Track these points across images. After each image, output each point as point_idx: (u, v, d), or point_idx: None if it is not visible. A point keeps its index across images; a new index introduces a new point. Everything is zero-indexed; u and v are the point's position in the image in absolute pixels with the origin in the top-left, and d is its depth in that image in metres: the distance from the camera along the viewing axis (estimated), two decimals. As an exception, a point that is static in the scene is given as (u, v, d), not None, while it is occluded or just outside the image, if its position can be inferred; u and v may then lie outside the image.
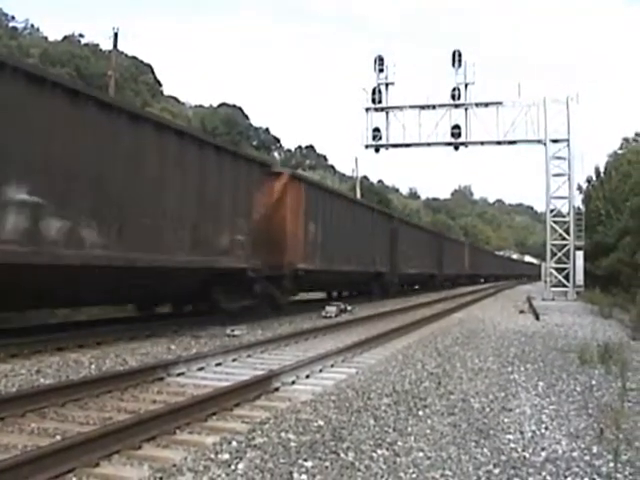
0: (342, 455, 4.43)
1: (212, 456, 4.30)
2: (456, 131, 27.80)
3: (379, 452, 4.53)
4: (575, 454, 4.63)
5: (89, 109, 9.03)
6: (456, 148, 28.39)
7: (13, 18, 64.11)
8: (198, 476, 3.93)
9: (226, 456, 4.30)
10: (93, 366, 7.83)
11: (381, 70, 28.46)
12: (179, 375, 7.41)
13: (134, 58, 61.61)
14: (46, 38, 62.56)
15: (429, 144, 28.78)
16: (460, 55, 27.67)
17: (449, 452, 4.59)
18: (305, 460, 4.27)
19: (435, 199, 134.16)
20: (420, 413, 5.75)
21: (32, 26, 68.29)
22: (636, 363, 8.81)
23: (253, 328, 12.45)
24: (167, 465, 4.10)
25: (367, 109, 28.73)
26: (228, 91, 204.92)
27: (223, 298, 13.06)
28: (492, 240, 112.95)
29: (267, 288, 14.45)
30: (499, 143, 28.18)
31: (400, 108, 28.61)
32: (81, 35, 63.72)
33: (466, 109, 27.89)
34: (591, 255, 29.22)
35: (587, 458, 4.54)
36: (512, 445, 4.83)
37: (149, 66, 66.78)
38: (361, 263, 21.73)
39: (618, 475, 4.17)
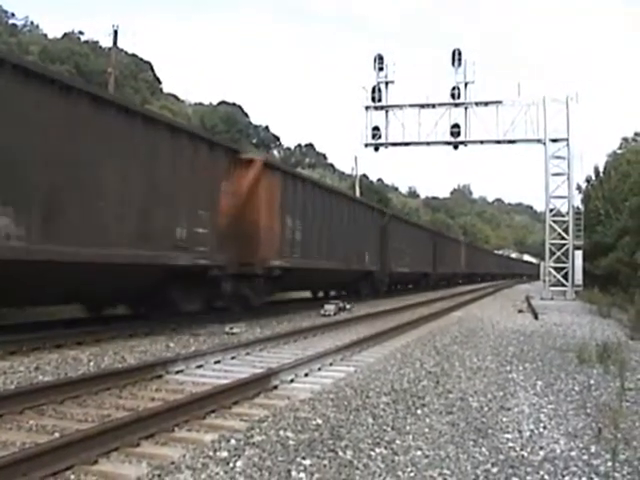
0: (340, 453, 4.43)
1: (210, 454, 4.30)
2: (456, 130, 27.79)
3: (377, 451, 4.53)
4: (573, 453, 4.64)
5: None
6: (455, 147, 28.38)
7: (13, 15, 64.11)
8: (196, 474, 3.93)
9: (224, 454, 4.30)
10: (92, 363, 7.82)
11: (381, 69, 28.44)
12: (178, 373, 7.41)
13: (134, 56, 61.48)
14: (46, 35, 62.57)
15: (428, 143, 28.77)
16: (460, 54, 27.66)
17: (447, 451, 4.59)
18: (303, 458, 4.27)
19: (434, 198, 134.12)
20: (418, 412, 5.75)
21: (32, 23, 68.39)
22: (634, 363, 8.82)
23: (252, 326, 12.44)
24: (165, 463, 4.10)
25: (367, 107, 28.71)
26: (228, 89, 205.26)
27: (182, 299, 11.79)
28: (491, 239, 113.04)
29: (238, 288, 13.28)
30: (498, 142, 28.16)
31: (400, 107, 28.60)
32: (81, 32, 63.68)
33: (466, 108, 27.87)
34: (590, 255, 29.24)
35: (585, 457, 4.54)
36: (510, 444, 4.83)
37: (149, 64, 66.68)
38: (347, 261, 20.35)
39: (616, 474, 4.18)
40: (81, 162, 9.06)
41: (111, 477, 3.94)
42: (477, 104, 27.86)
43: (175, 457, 4.23)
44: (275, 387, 6.72)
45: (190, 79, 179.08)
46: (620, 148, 40.15)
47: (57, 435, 4.66)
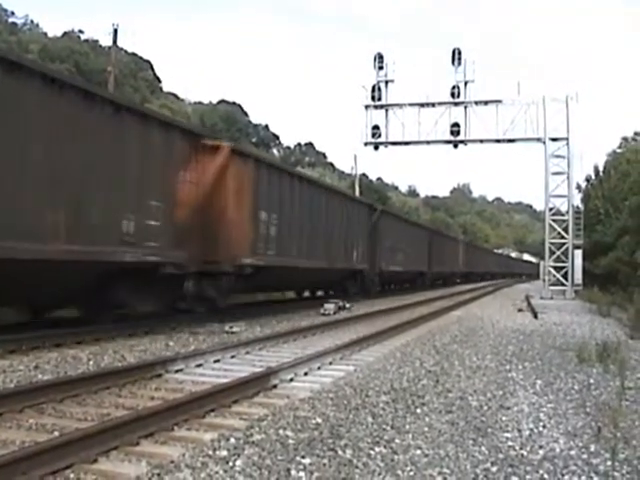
0: (340, 452, 4.43)
1: (210, 453, 4.30)
2: (455, 129, 27.81)
3: (377, 449, 4.54)
4: (573, 452, 4.64)
5: None
6: (455, 146, 28.40)
7: (13, 14, 64.03)
8: (196, 472, 3.93)
9: (224, 453, 4.30)
10: (91, 362, 7.82)
11: (381, 67, 28.44)
12: (177, 372, 7.41)
13: (134, 54, 61.41)
14: (46, 34, 62.45)
15: (428, 142, 28.80)
16: (460, 53, 27.66)
17: (447, 450, 4.59)
18: (303, 457, 4.27)
19: (434, 197, 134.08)
20: (418, 411, 5.75)
21: (32, 22, 68.30)
22: (634, 362, 8.82)
23: (251, 325, 12.44)
24: (165, 462, 4.10)
25: (366, 106, 28.72)
26: (228, 88, 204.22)
27: (134, 299, 10.67)
28: (491, 238, 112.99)
29: (202, 288, 12.20)
30: (498, 141, 28.18)
31: (400, 106, 28.61)
32: (81, 31, 63.61)
33: (465, 107, 27.89)
34: (590, 254, 29.26)
35: (585, 456, 4.55)
36: (510, 443, 4.83)
37: (149, 62, 66.59)
38: (331, 259, 18.80)
39: (616, 473, 4.18)
40: None
41: (111, 476, 3.94)
42: (477, 103, 27.87)
43: (175, 456, 4.22)
44: (275, 386, 6.72)
45: (190, 78, 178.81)
46: (620, 147, 40.19)
47: (57, 434, 4.66)
